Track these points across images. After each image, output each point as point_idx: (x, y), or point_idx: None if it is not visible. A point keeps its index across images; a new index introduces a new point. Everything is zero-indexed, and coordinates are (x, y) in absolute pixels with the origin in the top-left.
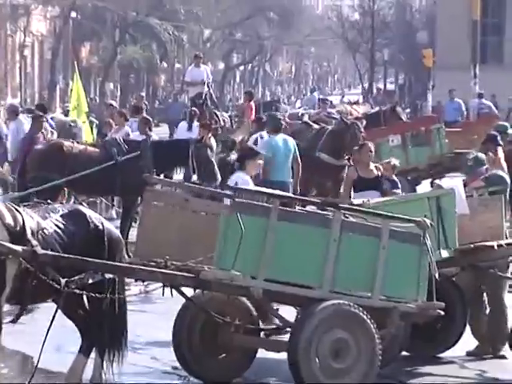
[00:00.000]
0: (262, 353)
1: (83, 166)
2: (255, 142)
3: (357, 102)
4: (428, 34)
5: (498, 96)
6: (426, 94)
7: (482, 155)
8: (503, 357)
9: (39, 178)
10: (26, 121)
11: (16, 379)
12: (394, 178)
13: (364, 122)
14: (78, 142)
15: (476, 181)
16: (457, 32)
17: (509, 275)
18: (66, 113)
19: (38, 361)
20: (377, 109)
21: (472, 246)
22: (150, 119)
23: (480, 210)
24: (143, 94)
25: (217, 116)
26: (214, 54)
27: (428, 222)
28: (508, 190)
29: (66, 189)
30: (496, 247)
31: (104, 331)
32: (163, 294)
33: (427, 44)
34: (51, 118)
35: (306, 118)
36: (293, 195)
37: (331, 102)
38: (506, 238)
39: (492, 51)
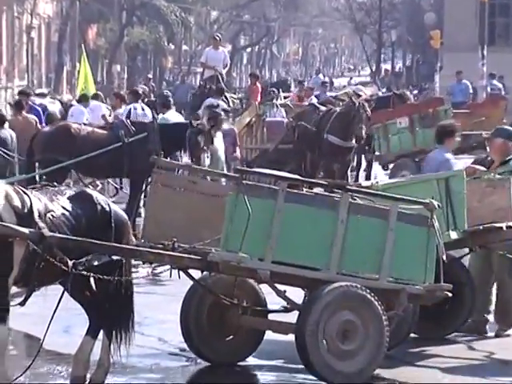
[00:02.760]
0: (269, 335)
1: (91, 147)
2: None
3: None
4: (436, 15)
5: (506, 77)
6: (433, 75)
7: None
8: (508, 336)
9: (46, 160)
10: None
11: (23, 360)
12: None
13: (373, 104)
14: (85, 124)
15: None
16: (464, 13)
17: None
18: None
19: (42, 342)
20: (388, 93)
21: (481, 227)
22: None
23: (488, 192)
24: (150, 76)
25: (226, 98)
26: (221, 38)
27: (436, 203)
28: None
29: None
30: (505, 228)
31: (111, 313)
32: (171, 276)
33: (435, 25)
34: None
35: (313, 100)
36: (300, 177)
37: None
38: None
39: (500, 32)
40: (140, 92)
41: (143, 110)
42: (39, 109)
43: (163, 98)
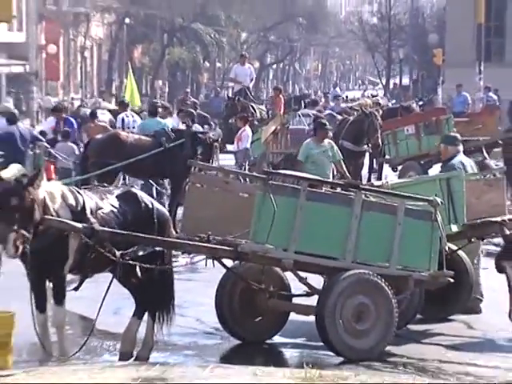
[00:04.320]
0: (292, 316)
1: (137, 152)
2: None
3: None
4: (438, 35)
5: (500, 90)
6: (436, 88)
7: None
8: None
9: (99, 164)
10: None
11: (78, 338)
12: None
13: (380, 112)
14: (132, 132)
15: None
16: (464, 34)
17: None
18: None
19: (95, 322)
20: (397, 105)
21: (479, 221)
22: (194, 112)
23: (485, 190)
24: (188, 90)
25: (253, 109)
26: (250, 54)
27: (439, 200)
28: None
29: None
30: (499, 222)
31: (155, 297)
32: (206, 265)
33: (437, 44)
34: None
35: (331, 111)
36: (320, 178)
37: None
38: None
39: (495, 51)
40: (125, 101)
41: (133, 116)
42: (73, 120)
43: (152, 106)
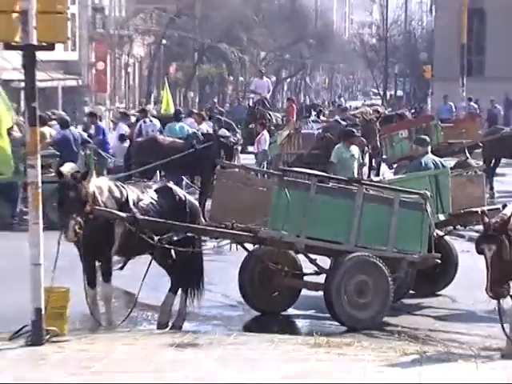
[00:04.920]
0: (304, 291)
1: (172, 153)
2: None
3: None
4: (427, 54)
5: (480, 100)
6: (426, 98)
7: None
8: None
9: (140, 162)
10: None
11: (123, 310)
12: None
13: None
14: (167, 136)
15: None
16: (449, 52)
17: None
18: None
19: (137, 297)
20: (393, 113)
21: (462, 211)
22: (221, 119)
23: (467, 185)
24: (215, 100)
25: (270, 116)
26: (267, 70)
27: (428, 193)
28: None
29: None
30: (480, 212)
31: (187, 275)
32: (230, 249)
33: (427, 61)
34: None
35: (337, 118)
36: (326, 174)
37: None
38: None
39: (475, 67)
40: (146, 109)
41: (151, 121)
42: (104, 128)
43: (176, 113)
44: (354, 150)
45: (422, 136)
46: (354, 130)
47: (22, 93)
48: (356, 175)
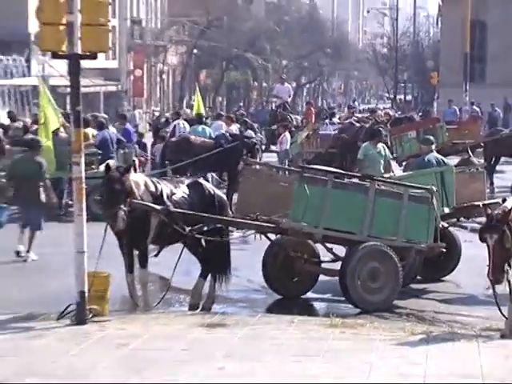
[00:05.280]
0: (321, 277)
1: (202, 151)
2: (174, 128)
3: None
4: (434, 62)
5: (481, 104)
6: (432, 102)
7: None
8: None
9: (173, 160)
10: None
11: (158, 293)
12: None
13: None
14: (198, 136)
15: None
16: (453, 61)
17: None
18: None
19: (170, 281)
20: (402, 116)
21: (465, 205)
22: (248, 121)
23: (470, 181)
24: (241, 104)
25: (291, 118)
26: (288, 76)
27: (434, 189)
28: None
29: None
30: (482, 206)
31: (216, 262)
32: (255, 238)
33: (433, 69)
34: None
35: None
36: (342, 171)
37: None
38: None
39: (477, 74)
40: (181, 112)
41: (184, 124)
42: (131, 129)
43: (198, 116)
44: (380, 147)
45: (427, 136)
46: (380, 129)
47: (67, 97)
48: (383, 171)
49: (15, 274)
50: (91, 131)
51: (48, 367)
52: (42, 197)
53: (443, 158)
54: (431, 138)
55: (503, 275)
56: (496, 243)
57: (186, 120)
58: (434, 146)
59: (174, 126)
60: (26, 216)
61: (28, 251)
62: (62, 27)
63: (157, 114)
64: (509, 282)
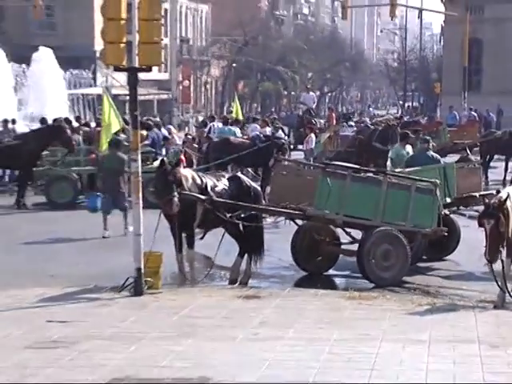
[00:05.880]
0: (341, 257)
1: (241, 150)
2: (209, 129)
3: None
4: (437, 74)
5: (477, 110)
6: (436, 108)
7: None
8: None
9: (216, 157)
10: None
11: (203, 270)
12: None
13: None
14: (237, 137)
15: None
16: (454, 73)
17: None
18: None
19: (214, 260)
20: (410, 120)
21: (464, 195)
22: (279, 124)
23: (468, 175)
24: (273, 109)
25: (315, 122)
26: (313, 86)
27: (438, 181)
28: None
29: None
30: (478, 196)
31: (251, 244)
32: (285, 223)
33: (437, 80)
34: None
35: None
36: (359, 167)
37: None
38: None
39: (474, 84)
40: (215, 116)
41: (218, 126)
42: (159, 133)
43: (224, 119)
44: (409, 148)
45: (424, 137)
46: (408, 132)
47: (126, 104)
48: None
49: (83, 253)
50: (146, 132)
51: (111, 330)
52: (122, 185)
53: (436, 155)
54: (428, 138)
55: (498, 254)
56: (492, 227)
57: (222, 122)
58: (428, 145)
59: (210, 127)
60: (114, 202)
61: (126, 227)
62: (122, 45)
63: (201, 118)
64: (502, 260)
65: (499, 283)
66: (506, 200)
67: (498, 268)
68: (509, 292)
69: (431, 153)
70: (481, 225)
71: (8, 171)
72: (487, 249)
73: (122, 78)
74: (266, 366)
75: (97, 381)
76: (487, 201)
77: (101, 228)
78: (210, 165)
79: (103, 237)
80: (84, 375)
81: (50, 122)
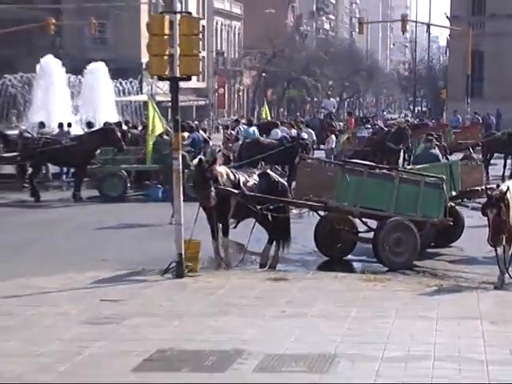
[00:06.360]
0: (358, 244)
1: (270, 150)
2: (237, 131)
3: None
4: (443, 82)
5: (479, 113)
6: (442, 112)
7: None
8: None
9: (247, 157)
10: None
11: (237, 255)
12: None
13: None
14: (265, 138)
15: None
16: (458, 81)
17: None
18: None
19: (246, 247)
20: (419, 123)
21: (468, 189)
22: (302, 127)
23: (471, 171)
24: (298, 113)
25: (335, 124)
26: (333, 93)
27: (444, 177)
28: None
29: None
30: (480, 190)
31: (279, 232)
32: (308, 214)
33: (443, 87)
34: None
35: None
36: (374, 164)
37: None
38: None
39: (476, 91)
40: (251, 119)
41: (244, 128)
42: (199, 135)
43: (248, 120)
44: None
45: (429, 137)
46: (433, 134)
47: (169, 110)
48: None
49: (132, 240)
50: (186, 134)
51: (156, 308)
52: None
53: (437, 152)
54: (431, 138)
55: (500, 240)
56: (495, 216)
57: (247, 124)
58: (430, 144)
59: (238, 130)
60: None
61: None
62: (165, 57)
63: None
64: (503, 246)
65: (501, 266)
66: (506, 192)
67: (499, 253)
68: (509, 273)
69: (433, 151)
70: (484, 214)
71: (65, 169)
72: (490, 235)
73: (165, 86)
74: (293, 339)
75: (144, 352)
76: (490, 193)
77: (146, 218)
78: (243, 163)
79: (170, 223)
80: (133, 347)
81: (97, 125)
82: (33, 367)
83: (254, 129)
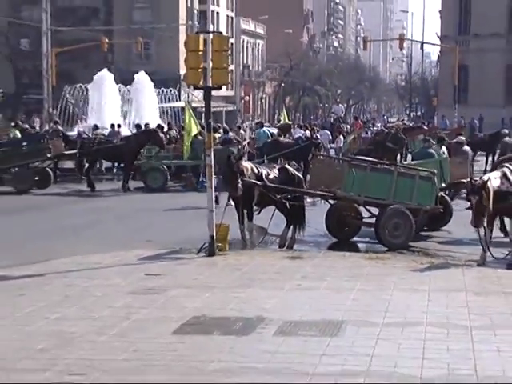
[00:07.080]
0: (362, 228)
1: (287, 148)
2: (258, 132)
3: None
4: (434, 91)
5: (465, 117)
6: (433, 117)
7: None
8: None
9: (268, 154)
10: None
11: (258, 237)
12: None
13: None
14: (284, 137)
15: None
16: (447, 90)
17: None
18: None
19: (267, 229)
20: (414, 126)
21: (455, 181)
22: (315, 128)
23: (460, 165)
24: (312, 117)
25: (343, 127)
26: (341, 100)
27: (435, 171)
28: None
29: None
30: (466, 182)
31: (295, 218)
32: (320, 202)
33: (434, 95)
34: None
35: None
36: (376, 160)
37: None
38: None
39: (462, 99)
40: (262, 121)
41: (264, 131)
42: (228, 136)
43: (259, 123)
44: (444, 149)
45: (427, 137)
46: (444, 136)
47: (203, 114)
48: None
49: (172, 224)
50: (217, 135)
51: (190, 282)
52: None
53: (434, 151)
54: (428, 138)
55: (482, 222)
56: (477, 202)
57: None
58: (426, 144)
59: (258, 132)
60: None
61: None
62: (199, 70)
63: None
64: (484, 227)
65: (483, 245)
66: (486, 182)
67: (481, 234)
68: (490, 251)
69: (429, 149)
70: (468, 200)
71: (116, 164)
72: (473, 218)
73: (199, 94)
74: (307, 308)
75: (181, 318)
76: (473, 182)
77: (183, 205)
78: (264, 159)
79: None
80: (172, 313)
81: (143, 127)
82: (90, 329)
83: (264, 129)
